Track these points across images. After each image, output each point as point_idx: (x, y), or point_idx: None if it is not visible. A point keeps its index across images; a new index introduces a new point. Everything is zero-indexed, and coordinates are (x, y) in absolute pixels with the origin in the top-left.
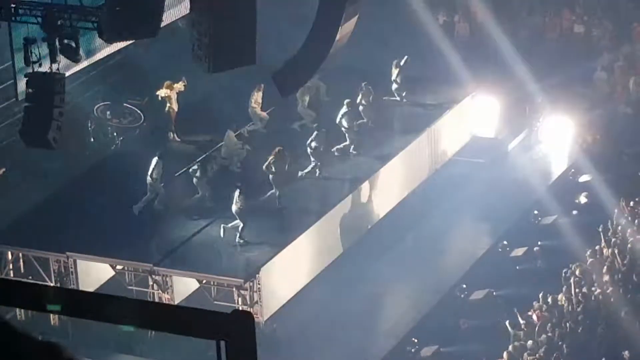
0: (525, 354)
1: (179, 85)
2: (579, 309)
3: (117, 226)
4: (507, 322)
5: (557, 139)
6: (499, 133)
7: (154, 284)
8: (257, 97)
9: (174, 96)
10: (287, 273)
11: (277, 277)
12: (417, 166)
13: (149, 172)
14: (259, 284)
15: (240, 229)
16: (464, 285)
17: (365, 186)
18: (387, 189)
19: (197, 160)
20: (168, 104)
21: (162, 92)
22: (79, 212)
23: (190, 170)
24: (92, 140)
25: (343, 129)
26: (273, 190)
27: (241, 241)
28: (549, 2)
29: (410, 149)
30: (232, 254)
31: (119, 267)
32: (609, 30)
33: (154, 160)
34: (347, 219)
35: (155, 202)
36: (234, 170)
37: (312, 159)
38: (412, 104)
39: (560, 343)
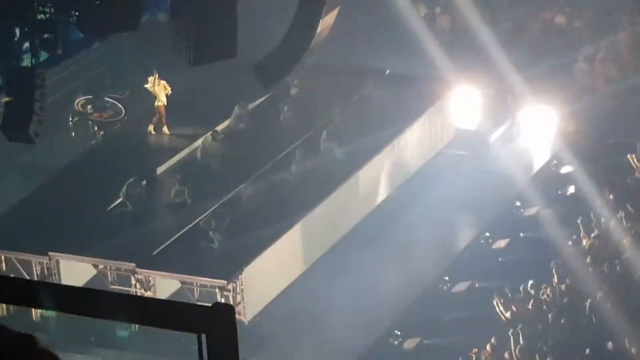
0: (510, 345)
1: (165, 83)
2: (562, 301)
3: (99, 224)
4: (487, 318)
5: (539, 130)
6: (481, 125)
7: (137, 283)
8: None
9: (161, 90)
10: (271, 273)
11: (260, 278)
12: (400, 163)
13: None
14: (241, 284)
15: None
16: (447, 278)
17: (348, 184)
18: (370, 186)
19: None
20: (157, 99)
21: (150, 86)
22: (60, 209)
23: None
24: (72, 134)
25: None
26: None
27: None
28: None
29: (394, 145)
30: (215, 254)
31: (101, 266)
32: (591, 21)
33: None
34: (330, 216)
35: None
36: (214, 170)
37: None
38: (394, 100)
39: (544, 333)
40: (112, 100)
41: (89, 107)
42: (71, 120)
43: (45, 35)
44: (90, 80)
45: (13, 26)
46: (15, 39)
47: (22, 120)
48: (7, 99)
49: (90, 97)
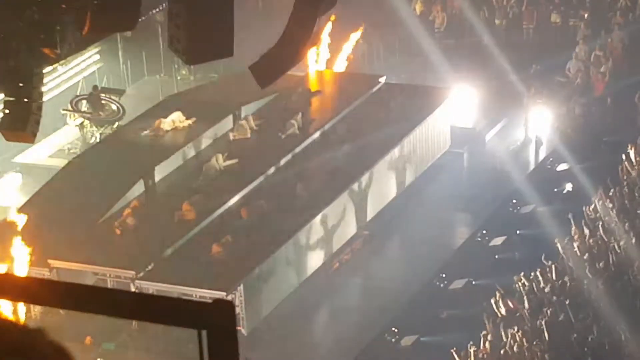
0: (507, 342)
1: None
2: (559, 297)
3: (98, 230)
4: (484, 315)
5: (536, 128)
6: (477, 123)
7: (136, 291)
8: (248, 120)
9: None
10: (270, 284)
11: (259, 289)
12: (402, 170)
13: None
14: (241, 296)
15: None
16: (444, 275)
17: (348, 193)
18: (370, 195)
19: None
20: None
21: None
22: (59, 214)
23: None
24: (71, 134)
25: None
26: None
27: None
28: None
29: (395, 152)
30: (214, 266)
31: (100, 274)
32: (585, 19)
33: None
34: (331, 224)
35: None
36: (215, 179)
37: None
38: (394, 106)
39: (541, 330)
40: (109, 100)
41: (87, 106)
42: (69, 120)
43: (43, 35)
44: (88, 79)
45: (11, 26)
46: (13, 38)
47: (20, 120)
48: (5, 98)
49: (88, 96)
